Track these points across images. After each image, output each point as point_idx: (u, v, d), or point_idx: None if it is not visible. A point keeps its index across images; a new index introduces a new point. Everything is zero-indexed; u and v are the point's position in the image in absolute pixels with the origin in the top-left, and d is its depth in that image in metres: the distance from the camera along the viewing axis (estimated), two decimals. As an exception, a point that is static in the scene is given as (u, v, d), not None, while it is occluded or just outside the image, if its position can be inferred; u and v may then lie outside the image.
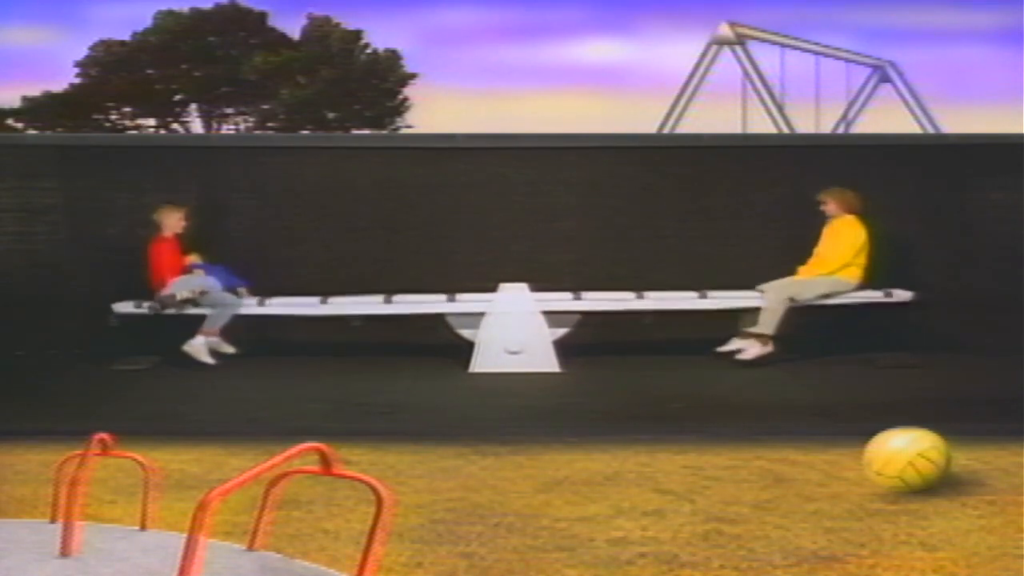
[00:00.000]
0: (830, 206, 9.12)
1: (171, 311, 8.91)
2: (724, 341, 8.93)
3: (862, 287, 8.99)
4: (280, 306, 9.03)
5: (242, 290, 9.10)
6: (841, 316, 9.04)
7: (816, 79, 46.39)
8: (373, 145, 12.89)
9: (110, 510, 4.52)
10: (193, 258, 9.19)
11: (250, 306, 9.04)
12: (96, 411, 7.07)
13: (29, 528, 2.12)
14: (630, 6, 60.99)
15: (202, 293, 8.96)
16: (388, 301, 8.99)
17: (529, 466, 5.79)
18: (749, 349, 8.79)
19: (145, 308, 8.94)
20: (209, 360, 8.84)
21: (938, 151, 9.88)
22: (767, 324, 8.79)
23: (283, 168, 9.82)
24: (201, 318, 8.92)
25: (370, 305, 8.99)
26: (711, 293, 8.97)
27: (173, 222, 9.17)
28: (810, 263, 9.10)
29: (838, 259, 8.99)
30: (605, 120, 40.21)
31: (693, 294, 8.97)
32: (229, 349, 8.97)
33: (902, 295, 9.02)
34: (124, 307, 9.05)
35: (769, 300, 8.84)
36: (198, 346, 8.87)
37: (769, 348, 8.77)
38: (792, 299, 8.86)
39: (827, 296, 8.95)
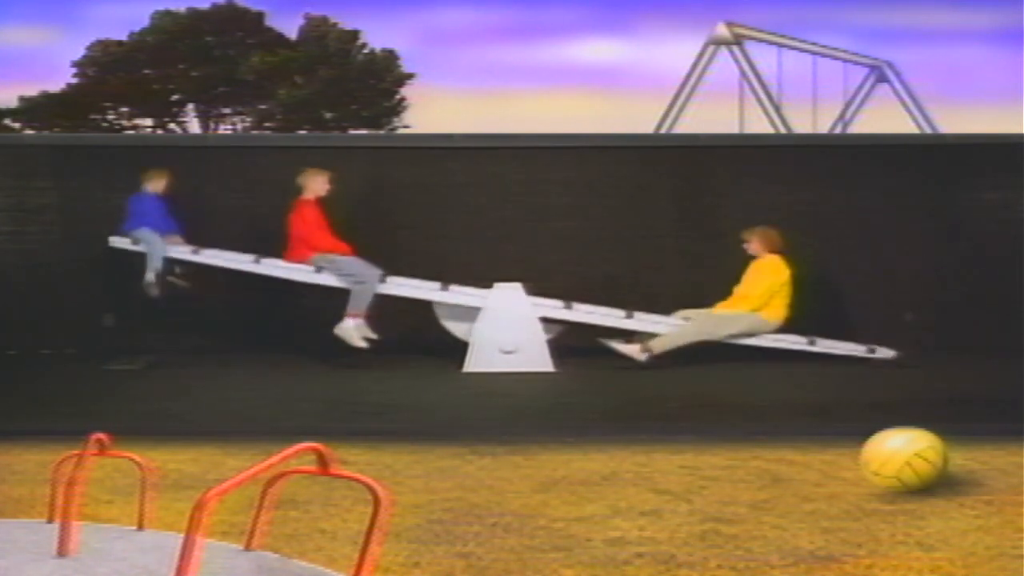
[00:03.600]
0: (753, 245, 9.09)
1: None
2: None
3: (782, 328, 8.93)
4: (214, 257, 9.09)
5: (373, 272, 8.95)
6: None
7: (813, 79, 46.43)
8: (370, 145, 12.89)
9: (107, 510, 4.52)
10: None
11: (183, 253, 9.13)
12: (93, 411, 7.06)
13: (26, 528, 2.12)
14: (627, 6, 61.15)
15: None
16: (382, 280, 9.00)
17: (526, 466, 5.79)
18: (628, 347, 8.76)
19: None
20: (363, 344, 8.73)
21: (936, 151, 9.88)
22: (663, 345, 8.79)
23: (281, 168, 9.81)
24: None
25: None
26: (637, 314, 8.94)
27: (318, 185, 9.06)
28: (733, 298, 9.06)
29: (760, 297, 8.95)
30: (602, 120, 40.22)
31: (621, 312, 8.95)
32: (372, 335, 8.81)
33: (886, 353, 8.96)
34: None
35: (682, 330, 8.85)
36: (348, 329, 8.77)
37: (643, 359, 8.73)
38: (709, 335, 8.84)
39: (746, 334, 8.90)
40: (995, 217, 9.33)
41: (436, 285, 8.96)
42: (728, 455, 5.94)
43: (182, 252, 9.18)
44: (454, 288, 8.94)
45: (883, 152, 9.58)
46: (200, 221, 9.43)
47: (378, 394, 7.93)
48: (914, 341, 9.04)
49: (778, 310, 8.95)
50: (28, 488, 5.21)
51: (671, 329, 8.86)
